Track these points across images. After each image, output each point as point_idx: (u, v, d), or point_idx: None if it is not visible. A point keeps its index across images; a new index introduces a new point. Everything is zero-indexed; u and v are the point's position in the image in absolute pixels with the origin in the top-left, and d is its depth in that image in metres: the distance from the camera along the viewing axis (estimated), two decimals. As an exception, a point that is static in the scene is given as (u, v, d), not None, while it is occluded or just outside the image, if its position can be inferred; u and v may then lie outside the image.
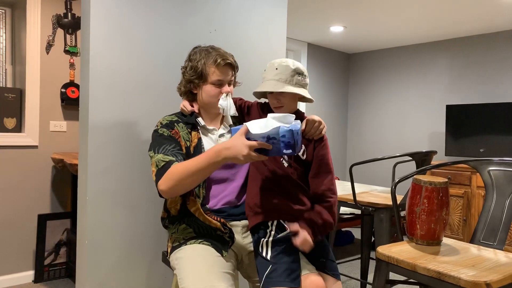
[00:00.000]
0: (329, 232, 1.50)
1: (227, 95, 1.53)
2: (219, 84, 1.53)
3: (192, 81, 1.54)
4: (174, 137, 1.49)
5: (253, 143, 1.27)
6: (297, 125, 1.30)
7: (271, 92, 1.48)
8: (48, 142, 2.98)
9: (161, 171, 1.38)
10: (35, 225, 2.93)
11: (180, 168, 1.35)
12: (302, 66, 1.49)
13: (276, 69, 1.45)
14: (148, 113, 1.79)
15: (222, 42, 2.01)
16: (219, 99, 1.53)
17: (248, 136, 1.30)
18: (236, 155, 1.27)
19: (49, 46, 2.96)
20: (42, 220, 2.90)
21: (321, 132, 1.50)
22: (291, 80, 1.44)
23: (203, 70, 1.51)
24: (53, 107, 3.01)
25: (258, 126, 1.30)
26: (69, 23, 3.04)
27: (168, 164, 1.38)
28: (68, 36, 3.05)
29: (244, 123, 1.34)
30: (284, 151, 1.29)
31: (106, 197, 1.68)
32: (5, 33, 3.00)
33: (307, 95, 1.47)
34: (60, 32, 3.01)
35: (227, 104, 1.53)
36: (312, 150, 1.50)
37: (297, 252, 1.44)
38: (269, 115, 1.32)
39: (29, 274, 2.90)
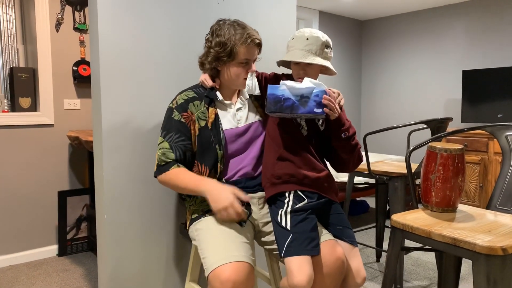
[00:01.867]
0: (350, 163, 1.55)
1: (251, 74, 1.53)
2: (246, 63, 1.53)
3: (220, 59, 1.52)
4: (184, 122, 1.51)
5: (236, 204, 1.38)
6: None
7: (297, 63, 1.48)
8: (63, 120, 3.02)
9: (160, 168, 1.50)
10: (55, 202, 3.02)
11: (174, 178, 1.47)
12: (329, 39, 1.51)
13: (307, 39, 1.46)
14: (159, 88, 1.79)
15: (230, 13, 1.98)
16: (244, 78, 1.54)
17: (280, 93, 1.38)
18: (218, 202, 1.39)
19: (58, 24, 2.96)
20: (62, 196, 2.98)
21: (339, 102, 1.51)
22: (320, 52, 1.47)
23: (232, 48, 1.49)
24: (66, 85, 3.03)
25: (294, 84, 1.39)
26: (76, 0, 3.01)
27: (167, 166, 1.49)
28: (76, 13, 3.03)
29: (281, 81, 1.41)
30: (315, 110, 1.37)
31: (122, 173, 1.71)
32: (14, 12, 3.00)
33: (333, 68, 1.50)
34: (68, 9, 3.00)
35: (252, 84, 1.54)
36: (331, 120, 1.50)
37: (316, 221, 1.46)
38: (306, 78, 1.41)
39: (53, 248, 3.01)
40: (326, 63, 1.47)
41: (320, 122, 1.51)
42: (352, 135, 1.47)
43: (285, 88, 1.38)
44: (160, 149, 1.52)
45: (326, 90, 1.40)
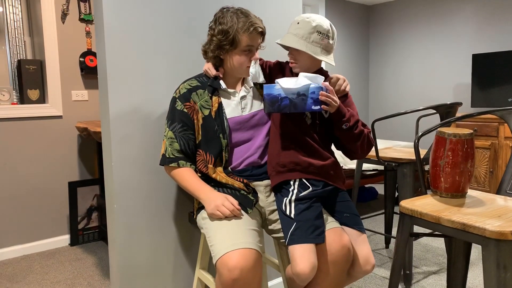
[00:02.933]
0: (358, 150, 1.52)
1: (255, 62, 1.52)
2: (249, 51, 1.51)
3: (222, 47, 1.50)
4: (186, 113, 1.53)
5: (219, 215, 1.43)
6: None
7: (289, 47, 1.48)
8: (71, 111, 3.04)
9: (166, 161, 1.55)
10: (66, 192, 3.05)
11: (178, 177, 1.54)
12: (328, 26, 1.44)
13: (298, 23, 1.44)
14: (166, 77, 1.79)
15: (236, 1, 1.96)
16: (248, 66, 1.53)
17: (277, 93, 1.37)
18: (210, 202, 1.45)
19: (64, 15, 2.96)
20: (73, 187, 3.01)
21: (344, 88, 1.50)
22: (308, 37, 1.42)
23: (234, 36, 1.47)
24: (74, 76, 3.04)
25: (289, 82, 1.38)
26: (81, -10, 3.00)
27: (173, 160, 1.54)
28: (82, 4, 3.02)
29: (276, 80, 1.39)
30: (313, 107, 1.37)
31: (130, 162, 1.72)
32: (20, 4, 3.00)
33: (318, 55, 1.42)
34: (74, 0, 2.99)
35: (256, 71, 1.54)
36: None
37: (321, 209, 1.46)
38: (301, 74, 1.38)
39: (65, 238, 3.06)
40: (306, 48, 1.41)
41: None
42: (354, 124, 1.44)
43: (280, 87, 1.37)
44: (167, 138, 1.55)
45: (323, 84, 1.38)
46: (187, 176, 1.52)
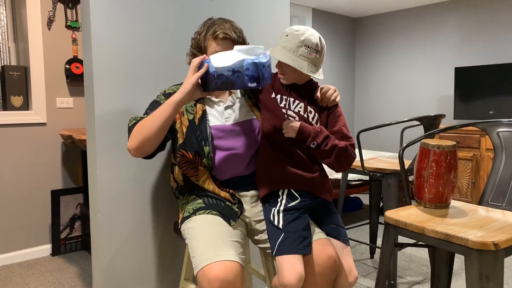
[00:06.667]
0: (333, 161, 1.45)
1: None
2: None
3: (195, 54, 1.54)
4: None
5: (198, 73, 1.30)
6: (263, 58, 1.28)
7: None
8: (56, 119, 3.00)
9: (130, 129, 1.44)
10: (49, 201, 3.00)
11: (140, 122, 1.40)
12: (317, 40, 1.42)
13: (287, 36, 1.43)
14: (152, 84, 1.79)
15: (223, 11, 1.97)
16: None
17: (212, 70, 1.30)
18: (183, 88, 1.33)
19: (50, 21, 2.93)
20: (56, 195, 2.96)
21: (335, 99, 1.50)
22: (295, 50, 1.40)
23: (202, 43, 1.51)
24: (59, 83, 3.01)
25: (223, 59, 1.29)
26: (68, -3, 2.99)
27: (136, 122, 1.42)
28: (68, 10, 3.00)
29: (209, 56, 1.34)
30: (249, 84, 1.28)
31: (115, 171, 1.70)
32: (5, 10, 2.96)
33: (303, 70, 1.41)
34: (60, 7, 2.97)
35: None
36: (325, 118, 1.50)
37: (308, 220, 1.46)
38: (235, 47, 1.31)
39: (47, 248, 3.00)
40: (291, 61, 1.39)
41: (314, 120, 1.49)
42: (323, 141, 1.40)
43: (213, 65, 1.28)
44: (132, 119, 1.47)
45: (261, 59, 1.26)
46: (148, 117, 1.39)
